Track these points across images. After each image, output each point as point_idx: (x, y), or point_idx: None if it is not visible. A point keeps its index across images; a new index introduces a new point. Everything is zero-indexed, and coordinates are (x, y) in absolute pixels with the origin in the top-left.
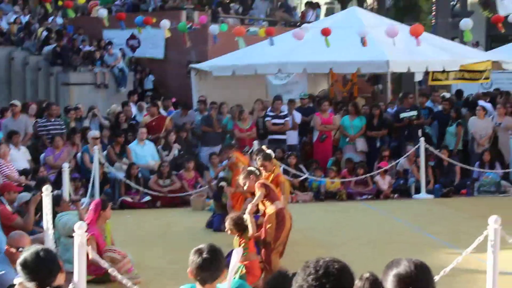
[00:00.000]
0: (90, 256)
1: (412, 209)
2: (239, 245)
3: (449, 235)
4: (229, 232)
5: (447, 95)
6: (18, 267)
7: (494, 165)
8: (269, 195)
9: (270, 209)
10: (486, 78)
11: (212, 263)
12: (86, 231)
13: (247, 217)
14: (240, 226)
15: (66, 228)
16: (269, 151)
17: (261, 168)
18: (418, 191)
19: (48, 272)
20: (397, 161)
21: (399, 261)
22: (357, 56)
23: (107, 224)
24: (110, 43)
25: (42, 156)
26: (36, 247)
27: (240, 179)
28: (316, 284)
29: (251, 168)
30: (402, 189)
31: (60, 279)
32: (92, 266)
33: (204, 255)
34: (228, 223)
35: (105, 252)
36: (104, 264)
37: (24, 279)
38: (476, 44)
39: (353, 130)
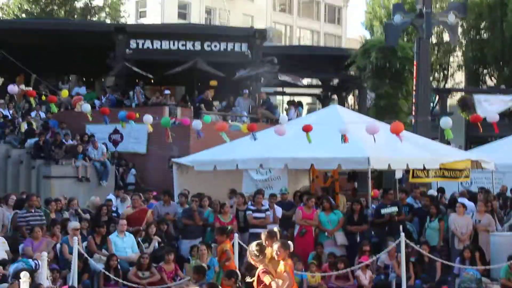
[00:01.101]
0: None
1: None
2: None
3: None
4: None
5: (434, 192)
6: None
7: (474, 262)
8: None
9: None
10: (466, 177)
11: None
12: None
13: None
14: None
15: None
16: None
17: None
18: (399, 286)
19: None
20: (378, 256)
21: None
22: (338, 153)
23: None
24: (92, 135)
25: (20, 246)
26: None
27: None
28: None
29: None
30: (383, 285)
31: None
32: None
33: None
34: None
35: None
36: None
37: None
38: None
39: (330, 225)
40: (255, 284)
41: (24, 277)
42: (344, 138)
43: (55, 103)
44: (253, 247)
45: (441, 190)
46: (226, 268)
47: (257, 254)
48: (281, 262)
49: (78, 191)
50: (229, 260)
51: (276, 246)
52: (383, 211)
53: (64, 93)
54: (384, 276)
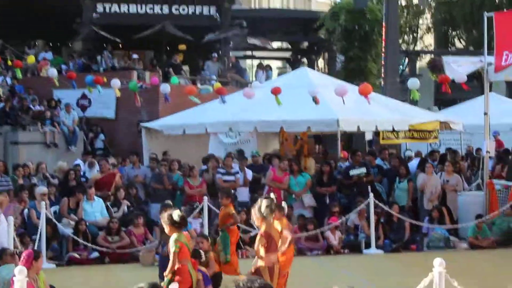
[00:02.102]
0: None
1: (362, 264)
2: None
3: None
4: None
5: (410, 153)
6: None
7: (443, 221)
8: (269, 247)
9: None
10: (435, 138)
11: None
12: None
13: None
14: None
15: (6, 282)
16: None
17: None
18: (368, 246)
19: None
20: (347, 216)
21: None
22: (308, 115)
23: (41, 275)
24: (59, 101)
25: None
26: None
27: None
28: None
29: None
30: (353, 245)
31: None
32: None
33: None
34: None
35: None
36: None
37: None
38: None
39: (298, 187)
40: (256, 245)
41: None
42: (315, 100)
43: (21, 69)
44: (263, 206)
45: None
46: (230, 231)
47: (265, 214)
48: (276, 222)
49: (46, 157)
50: (235, 224)
51: None
52: (352, 172)
53: (30, 58)
54: (354, 236)
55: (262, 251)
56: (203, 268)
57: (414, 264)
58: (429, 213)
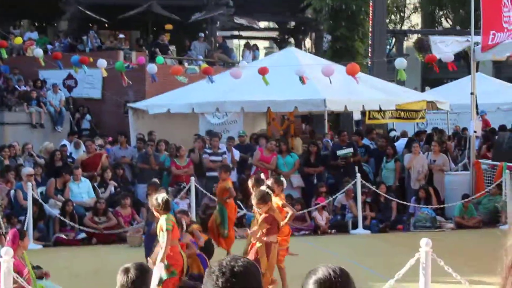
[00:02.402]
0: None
1: (349, 244)
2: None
3: (384, 268)
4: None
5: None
6: None
7: (429, 201)
8: (270, 228)
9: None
10: (422, 118)
11: (139, 282)
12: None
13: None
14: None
15: None
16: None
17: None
18: (355, 226)
19: None
20: (335, 196)
21: (316, 269)
22: (295, 95)
23: (25, 256)
24: (44, 81)
25: None
26: None
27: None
28: (228, 285)
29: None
30: (340, 225)
31: None
32: None
33: (131, 274)
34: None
35: None
36: None
37: None
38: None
39: (286, 167)
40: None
41: None
42: (302, 80)
43: (6, 49)
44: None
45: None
46: (227, 205)
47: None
48: (277, 198)
49: (32, 138)
50: (231, 198)
51: (270, 182)
52: (339, 152)
53: (18, 39)
54: (341, 216)
55: (261, 233)
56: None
57: (401, 244)
58: (416, 193)
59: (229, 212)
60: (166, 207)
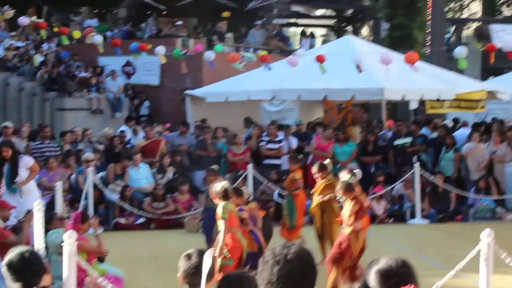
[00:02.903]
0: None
1: (407, 234)
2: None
3: (444, 258)
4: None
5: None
6: (3, 268)
7: (489, 192)
8: (358, 213)
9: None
10: (482, 108)
11: (201, 267)
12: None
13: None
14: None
15: (54, 245)
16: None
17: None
18: (413, 216)
19: (33, 273)
20: (393, 186)
21: (378, 259)
22: (352, 84)
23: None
24: (103, 67)
25: (36, 177)
26: (22, 248)
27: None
28: (284, 273)
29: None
30: (397, 215)
31: (45, 280)
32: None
33: (193, 259)
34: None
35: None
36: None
37: (9, 280)
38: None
39: (343, 157)
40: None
41: (38, 205)
42: (359, 68)
43: (66, 35)
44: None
45: (455, 122)
46: (295, 196)
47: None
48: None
49: (92, 123)
50: (299, 189)
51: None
52: (396, 142)
53: (76, 33)
54: (399, 206)
55: (351, 220)
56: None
57: (460, 235)
58: (476, 183)
59: (298, 203)
60: (224, 195)
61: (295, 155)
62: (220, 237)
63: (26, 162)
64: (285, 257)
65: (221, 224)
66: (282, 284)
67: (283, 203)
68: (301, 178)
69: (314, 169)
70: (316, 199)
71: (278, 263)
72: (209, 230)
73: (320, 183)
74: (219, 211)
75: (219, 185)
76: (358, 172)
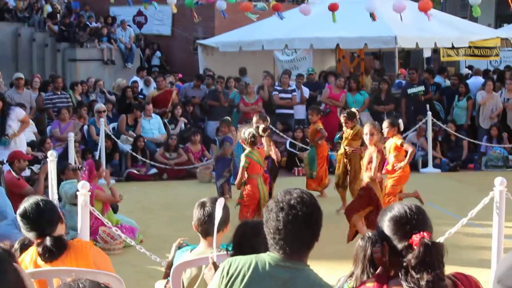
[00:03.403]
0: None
1: (419, 183)
2: None
3: (456, 207)
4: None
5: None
6: (18, 218)
7: (502, 140)
8: (380, 163)
9: (366, 177)
10: (496, 55)
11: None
12: (89, 191)
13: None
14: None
15: (68, 196)
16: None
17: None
18: (425, 165)
19: (48, 222)
20: (405, 135)
21: (392, 206)
22: (364, 32)
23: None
24: (115, 18)
25: (48, 128)
26: (36, 197)
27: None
28: (290, 218)
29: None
30: (410, 163)
31: (60, 229)
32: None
33: (207, 207)
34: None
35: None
36: (108, 223)
37: (24, 229)
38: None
39: (356, 105)
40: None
41: (51, 156)
42: (373, 16)
43: None
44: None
45: (470, 69)
46: (318, 147)
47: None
48: (394, 138)
49: (103, 74)
50: (323, 139)
51: (385, 123)
52: (410, 90)
53: None
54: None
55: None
56: None
57: (472, 183)
58: (488, 131)
59: (321, 152)
60: (252, 142)
61: (316, 105)
62: (236, 181)
63: (18, 113)
64: (288, 202)
65: (240, 169)
66: (289, 230)
67: (305, 154)
68: (323, 128)
69: (342, 117)
70: (343, 147)
71: (283, 210)
72: (217, 178)
73: (348, 132)
74: (242, 158)
75: (247, 131)
76: (400, 122)
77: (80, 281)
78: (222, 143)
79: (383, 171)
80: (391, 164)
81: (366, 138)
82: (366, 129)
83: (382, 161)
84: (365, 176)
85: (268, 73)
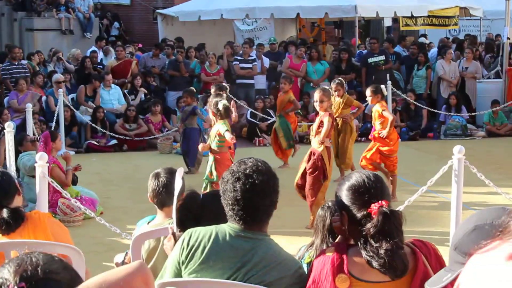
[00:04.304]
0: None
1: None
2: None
3: (415, 175)
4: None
5: (425, 40)
6: None
7: (460, 109)
8: (331, 128)
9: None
10: (455, 25)
11: (170, 186)
12: (47, 162)
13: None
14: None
15: (26, 168)
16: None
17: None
18: None
19: (4, 194)
20: (365, 104)
21: (350, 175)
22: (325, 1)
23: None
24: None
25: (6, 99)
26: None
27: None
28: (247, 187)
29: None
30: (369, 133)
31: (17, 201)
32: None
33: (161, 178)
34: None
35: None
36: (67, 194)
37: None
38: None
39: (316, 75)
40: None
41: (8, 127)
42: None
43: None
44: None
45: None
46: (288, 117)
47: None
48: (377, 105)
49: (61, 44)
50: (295, 110)
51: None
52: (370, 60)
53: None
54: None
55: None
56: None
57: (432, 151)
58: (447, 100)
59: (291, 123)
60: (225, 114)
61: (288, 75)
62: (217, 155)
63: None
64: (243, 172)
65: (217, 141)
66: (247, 199)
67: (276, 124)
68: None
69: (333, 85)
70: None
71: (239, 179)
72: (190, 149)
73: (337, 101)
74: (220, 127)
75: (220, 104)
76: (383, 87)
77: (34, 254)
78: (192, 113)
79: (370, 136)
80: (377, 131)
81: (316, 105)
82: (316, 96)
83: (332, 126)
84: (314, 141)
85: (228, 43)
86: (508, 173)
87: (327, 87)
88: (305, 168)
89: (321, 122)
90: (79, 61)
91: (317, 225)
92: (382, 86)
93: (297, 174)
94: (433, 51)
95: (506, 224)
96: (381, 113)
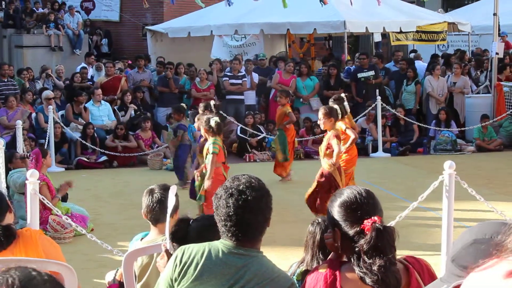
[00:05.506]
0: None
1: (369, 167)
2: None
3: (405, 191)
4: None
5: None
6: None
7: (450, 124)
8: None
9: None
10: (443, 40)
11: (164, 202)
12: (38, 179)
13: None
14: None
15: (17, 185)
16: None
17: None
18: (375, 150)
19: None
20: (355, 120)
21: (342, 191)
22: (314, 17)
23: (49, 177)
24: (64, 3)
25: None
26: None
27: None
28: (240, 204)
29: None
30: (360, 148)
31: (8, 218)
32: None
33: (155, 194)
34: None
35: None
36: (58, 211)
37: None
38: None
39: (306, 91)
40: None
41: None
42: (323, 1)
43: None
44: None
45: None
46: (286, 130)
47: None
48: (340, 122)
49: (51, 61)
50: (291, 123)
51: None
52: (360, 75)
53: None
54: (361, 139)
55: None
56: None
57: (422, 167)
58: (436, 115)
59: (289, 136)
60: (217, 130)
61: (285, 89)
62: (208, 170)
63: None
64: (237, 188)
65: (209, 158)
66: (240, 216)
67: (273, 138)
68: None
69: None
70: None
71: (232, 196)
72: (183, 166)
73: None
74: (210, 145)
75: (212, 120)
76: (346, 105)
77: (10, 272)
78: (176, 130)
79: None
80: (328, 164)
81: (321, 123)
82: (320, 114)
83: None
84: (324, 163)
85: (217, 59)
86: (498, 188)
87: (332, 105)
88: (316, 185)
89: (329, 144)
90: (63, 78)
91: (307, 242)
92: (345, 104)
93: (308, 190)
94: (422, 66)
95: (503, 242)
96: (344, 131)
